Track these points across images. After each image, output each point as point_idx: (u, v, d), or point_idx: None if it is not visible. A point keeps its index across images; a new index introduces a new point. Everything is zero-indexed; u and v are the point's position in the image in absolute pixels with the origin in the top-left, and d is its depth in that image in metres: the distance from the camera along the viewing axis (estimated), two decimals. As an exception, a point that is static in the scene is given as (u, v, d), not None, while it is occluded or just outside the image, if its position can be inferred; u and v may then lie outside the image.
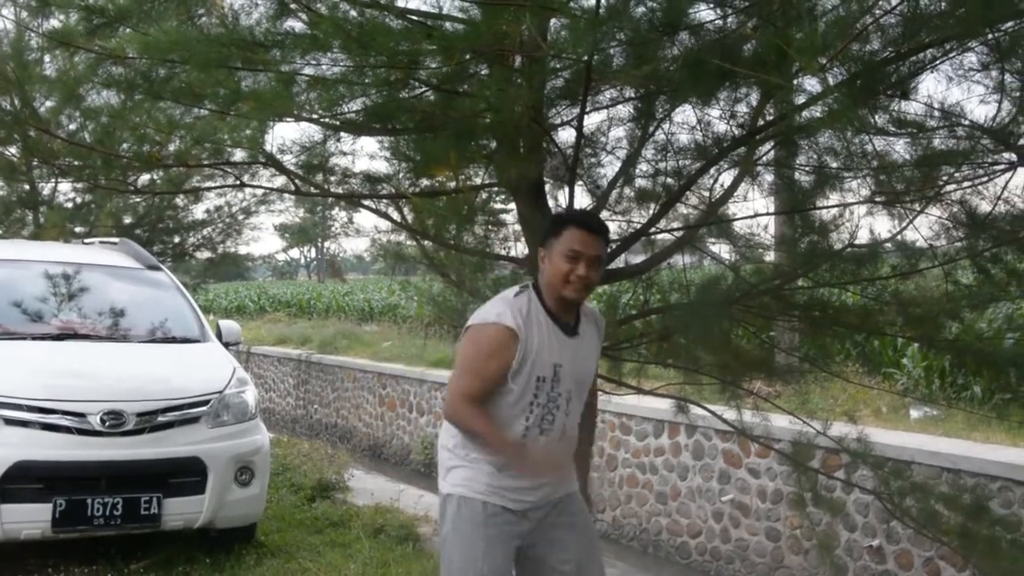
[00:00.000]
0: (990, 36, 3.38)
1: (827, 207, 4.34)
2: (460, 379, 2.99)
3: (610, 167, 4.80)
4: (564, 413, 3.00)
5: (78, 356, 5.80)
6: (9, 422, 5.04)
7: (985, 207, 3.97)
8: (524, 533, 3.05)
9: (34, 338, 5.87)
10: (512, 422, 2.95)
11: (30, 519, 5.02)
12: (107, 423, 5.15)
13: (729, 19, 3.59)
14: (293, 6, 4.09)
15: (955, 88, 3.56)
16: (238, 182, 5.58)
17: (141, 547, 5.71)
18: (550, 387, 2.95)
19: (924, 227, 4.15)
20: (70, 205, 14.24)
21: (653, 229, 4.66)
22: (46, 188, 13.96)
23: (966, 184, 3.97)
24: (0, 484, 4.92)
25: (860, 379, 8.97)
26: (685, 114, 4.43)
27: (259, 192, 15.19)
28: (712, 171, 4.51)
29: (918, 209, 4.10)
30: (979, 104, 3.59)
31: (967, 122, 3.62)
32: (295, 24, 4.20)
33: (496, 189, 5.46)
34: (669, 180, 4.65)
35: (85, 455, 5.12)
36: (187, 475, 5.39)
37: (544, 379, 2.93)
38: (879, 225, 4.30)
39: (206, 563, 5.62)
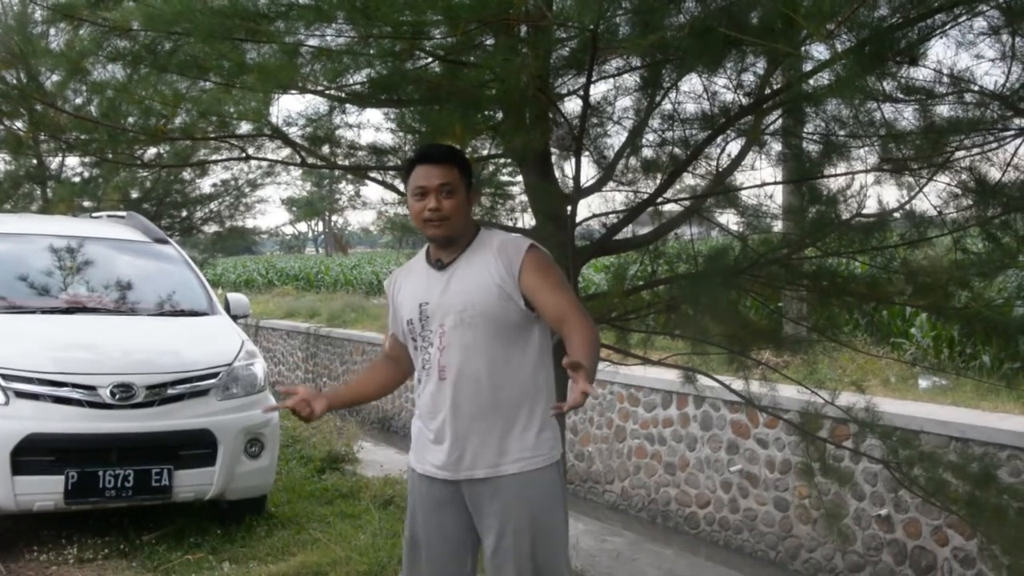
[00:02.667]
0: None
1: (835, 175, 4.32)
2: None
3: (617, 137, 4.78)
4: (438, 349, 2.84)
5: (87, 329, 5.83)
6: (20, 395, 5.08)
7: (995, 174, 3.95)
8: (461, 502, 2.91)
9: (43, 312, 5.90)
10: (416, 368, 2.98)
11: (43, 491, 5.07)
12: (117, 396, 5.19)
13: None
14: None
15: (964, 53, 3.53)
16: (244, 154, 5.56)
17: (153, 519, 5.77)
18: (420, 327, 2.89)
19: (933, 195, 4.13)
20: (78, 179, 14.25)
21: (660, 199, 4.65)
22: (53, 162, 13.98)
23: (975, 151, 3.95)
24: (12, 457, 4.98)
25: (868, 349, 8.98)
26: (692, 83, 4.41)
27: (265, 165, 15.19)
28: (719, 140, 4.48)
29: (927, 177, 4.07)
30: (989, 70, 3.56)
31: (976, 88, 3.59)
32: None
33: (503, 160, 5.44)
34: (676, 150, 4.63)
35: (96, 427, 5.16)
36: (197, 447, 5.44)
37: (412, 321, 2.92)
38: (887, 194, 4.28)
39: (217, 534, 5.68)
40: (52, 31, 6.01)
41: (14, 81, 6.23)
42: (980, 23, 3.45)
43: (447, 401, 2.84)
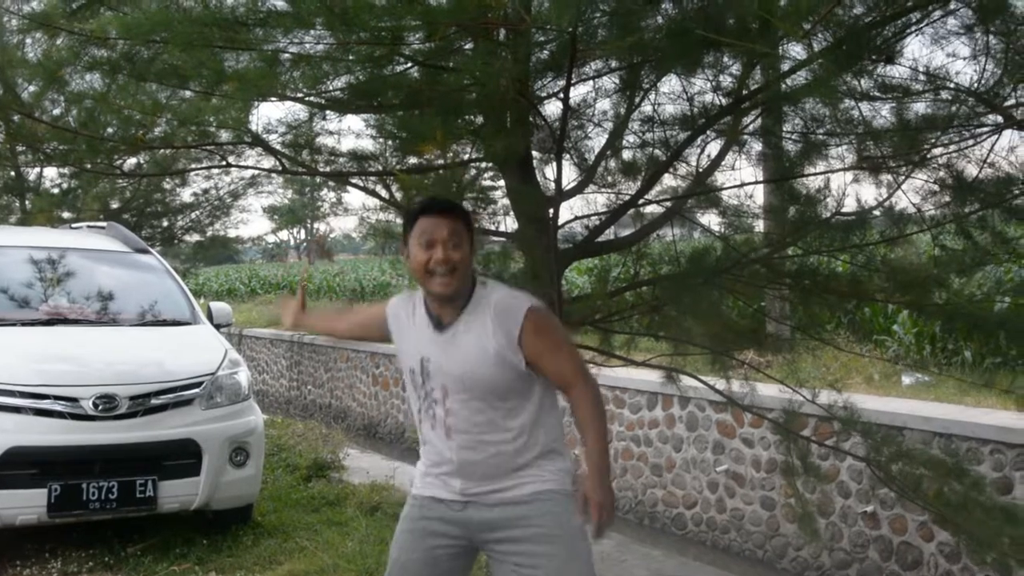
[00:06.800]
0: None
1: (814, 174, 4.34)
2: None
3: (597, 139, 4.79)
4: (443, 410, 2.84)
5: (69, 341, 5.81)
6: (2, 408, 5.05)
7: (972, 170, 3.98)
8: (461, 532, 2.88)
9: (24, 324, 5.87)
10: (414, 404, 2.97)
11: (25, 505, 5.04)
12: (100, 407, 5.16)
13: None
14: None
15: (940, 51, 3.57)
16: (224, 163, 5.55)
17: (138, 530, 5.74)
18: (421, 380, 2.88)
19: (911, 192, 4.16)
20: (56, 191, 14.19)
21: (641, 201, 4.66)
22: (32, 174, 13.92)
23: (952, 148, 3.98)
24: (-6, 470, 4.94)
25: (851, 347, 9.02)
26: (671, 84, 4.42)
27: (247, 174, 15.18)
28: (699, 141, 4.50)
29: (904, 174, 4.10)
30: (963, 68, 3.60)
31: (952, 85, 3.62)
32: (277, 2, 4.18)
33: (485, 165, 5.45)
34: (656, 151, 4.65)
35: (79, 439, 5.13)
36: (182, 457, 5.41)
37: (414, 371, 2.90)
38: (866, 192, 4.32)
39: (203, 544, 5.66)
40: (28, 41, 5.98)
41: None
42: (954, 21, 3.49)
43: (456, 459, 2.84)
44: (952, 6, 3.42)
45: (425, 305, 2.92)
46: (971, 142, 3.93)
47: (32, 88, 7.88)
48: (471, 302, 2.85)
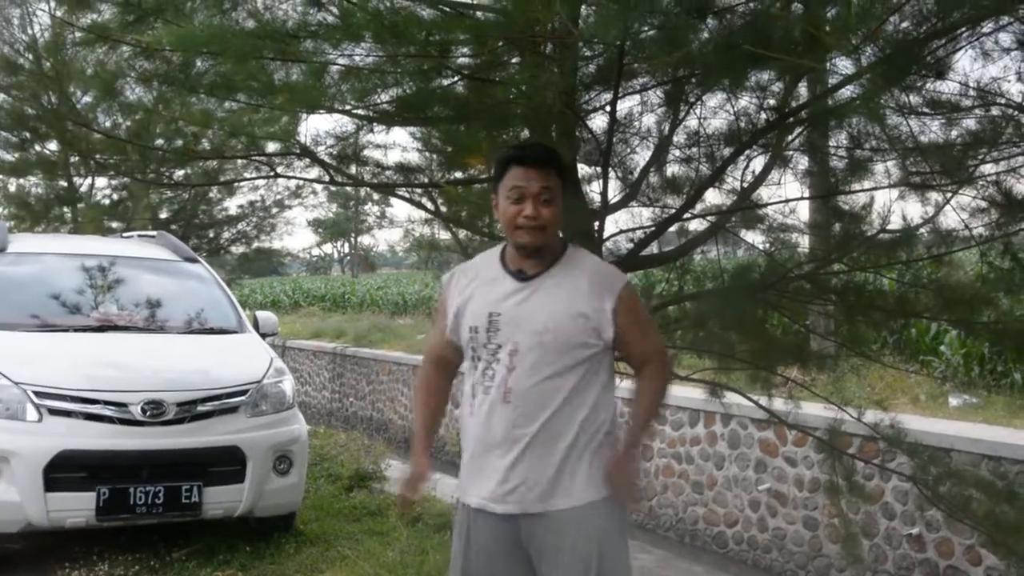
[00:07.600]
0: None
1: (860, 191, 4.31)
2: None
3: (642, 154, 4.79)
4: (506, 368, 2.66)
5: (119, 347, 5.90)
6: (53, 412, 5.14)
7: (1021, 188, 3.93)
8: (518, 542, 2.73)
9: (76, 330, 5.97)
10: (468, 380, 2.79)
11: (75, 507, 5.12)
12: (148, 413, 5.24)
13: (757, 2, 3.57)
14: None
15: (992, 66, 3.53)
16: (273, 173, 5.63)
17: (182, 535, 5.81)
18: (485, 338, 2.70)
19: (958, 209, 4.11)
20: (107, 202, 14.47)
21: (686, 215, 4.65)
22: (83, 185, 14.22)
23: (1002, 165, 3.93)
24: (45, 473, 5.03)
25: (897, 366, 8.91)
26: (717, 99, 4.42)
27: (292, 185, 15.38)
28: (743, 157, 4.49)
29: (952, 191, 4.06)
30: (1015, 83, 3.56)
31: (1003, 101, 3.58)
32: (327, 16, 4.24)
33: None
34: (702, 166, 4.64)
35: (127, 444, 5.21)
36: (227, 464, 5.47)
37: (476, 328, 2.72)
38: (911, 209, 4.26)
39: (246, 551, 5.71)
40: (84, 54, 6.12)
41: (47, 103, 6.35)
42: (1005, 36, 3.45)
43: (508, 426, 2.68)
44: (1004, 21, 3.39)
45: (502, 260, 2.81)
46: (1021, 159, 3.88)
47: (85, 100, 8.06)
48: (564, 258, 2.78)
